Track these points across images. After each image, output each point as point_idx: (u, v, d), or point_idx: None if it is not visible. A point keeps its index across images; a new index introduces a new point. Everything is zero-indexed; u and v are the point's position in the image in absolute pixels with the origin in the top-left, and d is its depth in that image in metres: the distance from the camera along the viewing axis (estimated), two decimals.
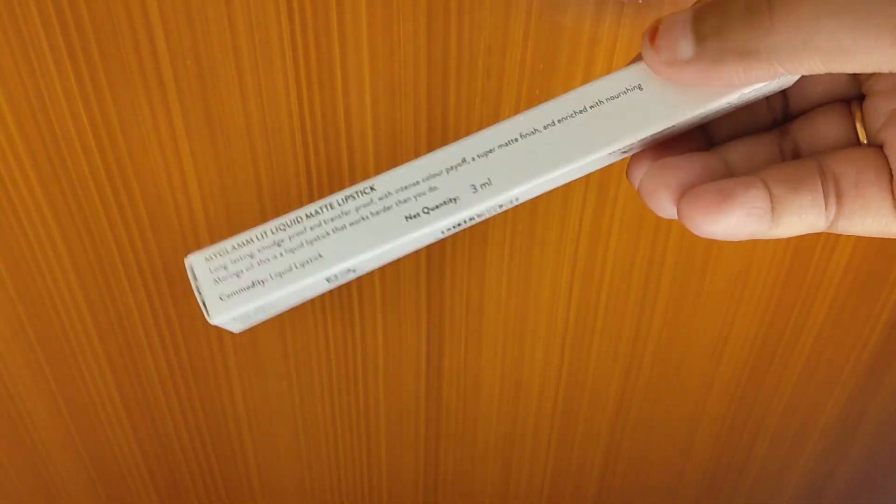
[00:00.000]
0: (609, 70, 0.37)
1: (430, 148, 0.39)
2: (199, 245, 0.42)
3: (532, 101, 0.37)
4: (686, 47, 0.19)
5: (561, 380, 0.51)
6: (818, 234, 0.45)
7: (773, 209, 0.20)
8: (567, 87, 0.37)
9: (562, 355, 0.50)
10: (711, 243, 0.45)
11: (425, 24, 0.35)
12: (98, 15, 0.33)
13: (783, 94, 0.25)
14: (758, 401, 0.55)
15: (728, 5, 0.18)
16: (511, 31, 0.35)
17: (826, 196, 0.20)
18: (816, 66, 0.17)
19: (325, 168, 0.39)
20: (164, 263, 0.42)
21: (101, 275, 0.42)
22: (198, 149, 0.38)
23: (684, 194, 0.20)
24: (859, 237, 0.46)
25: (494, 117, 0.38)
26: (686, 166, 0.21)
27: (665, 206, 0.21)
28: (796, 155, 0.23)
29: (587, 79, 0.37)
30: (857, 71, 0.17)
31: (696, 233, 0.20)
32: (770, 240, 0.45)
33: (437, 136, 0.38)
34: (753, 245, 0.45)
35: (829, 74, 0.22)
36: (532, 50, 0.36)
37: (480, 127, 0.39)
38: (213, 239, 0.41)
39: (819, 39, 0.16)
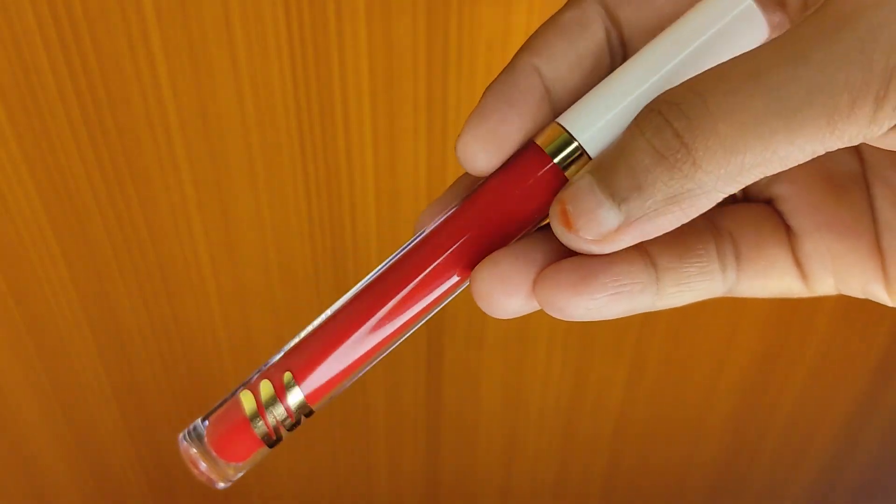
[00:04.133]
0: None
1: (430, 146, 0.39)
2: (194, 244, 0.41)
3: None
4: (609, 216, 0.16)
5: (563, 382, 0.51)
6: None
7: (657, 280, 0.18)
8: None
9: (564, 356, 0.49)
10: None
11: (424, 20, 0.34)
12: (91, 10, 0.33)
13: None
14: (762, 406, 0.54)
15: (631, 157, 0.16)
16: (512, 26, 0.34)
17: (722, 259, 0.19)
18: (758, 176, 0.15)
19: (322, 166, 0.39)
20: (160, 265, 0.42)
21: (95, 276, 0.42)
22: (193, 147, 0.37)
23: (540, 275, 0.18)
24: None
25: None
26: (534, 248, 0.19)
27: (511, 301, 0.19)
28: None
29: None
30: (798, 163, 0.15)
31: (560, 317, 0.18)
32: None
33: (438, 134, 0.38)
34: None
35: None
36: None
37: None
38: (210, 238, 0.41)
39: (754, 157, 0.15)
